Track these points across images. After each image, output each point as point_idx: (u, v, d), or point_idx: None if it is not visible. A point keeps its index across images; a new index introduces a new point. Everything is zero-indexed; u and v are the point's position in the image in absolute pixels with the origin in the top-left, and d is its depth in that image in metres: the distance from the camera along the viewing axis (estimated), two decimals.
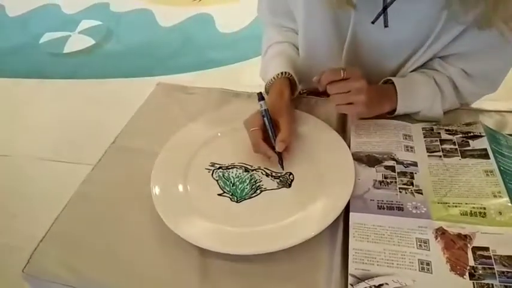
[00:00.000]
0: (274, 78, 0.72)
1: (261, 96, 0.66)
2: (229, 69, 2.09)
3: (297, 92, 0.76)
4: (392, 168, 0.61)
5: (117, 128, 0.77)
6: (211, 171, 0.64)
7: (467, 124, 0.66)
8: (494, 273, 0.48)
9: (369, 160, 0.62)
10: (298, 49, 0.79)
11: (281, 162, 0.63)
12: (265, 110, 0.65)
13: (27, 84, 2.20)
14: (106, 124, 1.80)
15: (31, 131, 1.89)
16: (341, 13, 0.67)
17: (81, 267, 0.54)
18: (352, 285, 0.48)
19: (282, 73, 0.72)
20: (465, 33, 0.63)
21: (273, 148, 0.63)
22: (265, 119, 0.64)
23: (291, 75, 0.72)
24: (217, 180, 0.63)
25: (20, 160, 1.75)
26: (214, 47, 2.28)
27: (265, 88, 0.74)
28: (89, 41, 2.48)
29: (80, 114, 1.96)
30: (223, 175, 0.63)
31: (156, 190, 0.60)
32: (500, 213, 0.53)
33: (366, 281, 0.48)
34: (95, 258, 0.55)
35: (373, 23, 0.66)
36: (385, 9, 0.63)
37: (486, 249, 0.50)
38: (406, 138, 0.66)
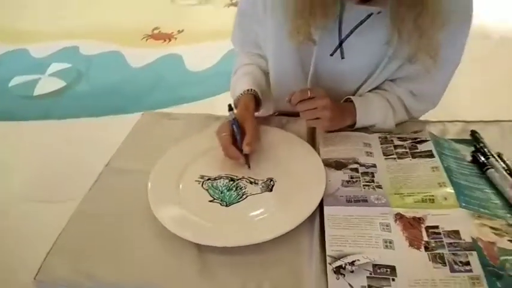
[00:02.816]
0: (241, 94, 0.84)
1: (230, 108, 0.77)
2: (200, 104, 2.19)
3: (261, 106, 0.88)
4: (356, 170, 0.71)
5: (92, 164, 0.82)
6: (201, 183, 0.72)
7: (415, 132, 0.79)
8: (444, 244, 0.58)
9: (336, 165, 0.73)
10: (263, 70, 0.91)
11: (248, 162, 0.73)
12: (234, 119, 0.75)
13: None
14: (80, 161, 1.84)
15: (3, 173, 1.88)
16: (304, 47, 0.80)
17: (88, 271, 0.60)
18: (330, 263, 0.57)
19: (248, 90, 0.83)
20: (407, 63, 0.77)
21: (241, 152, 0.73)
22: (234, 126, 0.75)
23: (256, 92, 0.84)
24: (207, 190, 0.71)
25: None
26: (185, 85, 2.40)
27: (234, 103, 0.85)
28: (60, 83, 2.53)
29: (53, 153, 1.97)
30: (212, 185, 0.72)
31: (154, 200, 0.67)
32: (445, 198, 0.64)
33: (341, 259, 0.58)
34: (99, 262, 0.61)
35: (331, 55, 0.79)
36: (341, 43, 0.77)
37: (436, 227, 0.61)
38: (366, 145, 0.77)
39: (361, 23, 0.72)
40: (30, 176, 1.84)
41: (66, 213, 0.70)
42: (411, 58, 0.74)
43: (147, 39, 2.93)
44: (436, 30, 0.68)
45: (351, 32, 0.74)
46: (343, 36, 0.75)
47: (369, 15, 0.71)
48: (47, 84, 2.53)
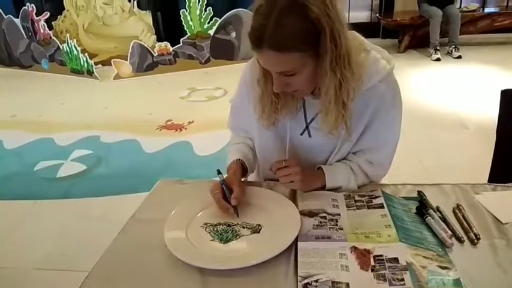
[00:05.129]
0: (232, 162, 1.10)
1: (218, 172, 1.02)
2: None
3: (248, 173, 1.14)
4: (324, 217, 0.93)
5: (107, 237, 0.95)
6: (204, 227, 0.93)
7: (371, 191, 1.01)
8: (386, 267, 0.77)
9: (310, 213, 0.94)
10: (250, 147, 1.18)
11: (236, 212, 0.96)
12: (222, 180, 1.00)
13: (22, 204, 2.43)
14: (96, 235, 2.03)
15: (25, 244, 2.06)
16: (281, 130, 1.07)
17: None
18: (300, 281, 0.76)
19: (236, 159, 1.10)
20: (359, 141, 1.03)
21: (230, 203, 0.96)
22: (223, 185, 0.98)
23: (243, 161, 1.11)
24: (209, 232, 0.92)
25: (12, 271, 1.89)
26: (192, 166, 2.68)
27: (227, 169, 1.11)
28: (81, 167, 2.81)
29: (71, 228, 2.17)
30: (213, 229, 0.93)
31: (168, 238, 0.88)
32: (389, 236, 0.85)
33: (308, 278, 0.77)
34: (122, 282, 0.80)
35: (301, 134, 1.06)
36: (307, 126, 1.04)
37: (381, 255, 0.80)
38: (333, 200, 0.99)
39: (320, 111, 1.00)
40: (50, 247, 2.02)
41: (80, 281, 0.81)
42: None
43: (160, 129, 3.29)
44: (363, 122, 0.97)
45: (313, 118, 1.01)
46: (308, 121, 1.02)
47: None
48: (69, 168, 2.82)
